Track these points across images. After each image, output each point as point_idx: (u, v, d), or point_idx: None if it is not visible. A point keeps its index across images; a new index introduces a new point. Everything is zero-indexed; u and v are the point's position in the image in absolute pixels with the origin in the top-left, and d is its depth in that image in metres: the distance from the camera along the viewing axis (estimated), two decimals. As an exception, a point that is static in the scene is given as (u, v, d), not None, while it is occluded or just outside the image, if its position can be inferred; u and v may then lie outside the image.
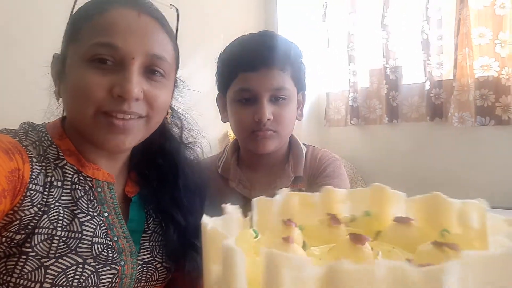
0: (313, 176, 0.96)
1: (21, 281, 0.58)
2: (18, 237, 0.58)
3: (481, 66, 1.98)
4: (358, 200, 0.45)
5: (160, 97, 0.67)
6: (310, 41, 2.63)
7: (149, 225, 0.76)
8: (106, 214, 0.69)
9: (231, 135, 2.20)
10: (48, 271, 0.59)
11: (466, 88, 2.00)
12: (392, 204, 0.44)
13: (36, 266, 0.59)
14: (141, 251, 0.72)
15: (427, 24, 2.18)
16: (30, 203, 0.59)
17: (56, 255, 0.60)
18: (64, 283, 0.60)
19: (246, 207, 0.42)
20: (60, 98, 0.69)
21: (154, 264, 0.73)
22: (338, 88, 2.57)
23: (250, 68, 0.88)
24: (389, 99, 2.31)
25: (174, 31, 0.75)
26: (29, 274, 0.58)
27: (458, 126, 2.00)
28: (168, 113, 0.77)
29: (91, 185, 0.68)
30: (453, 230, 0.40)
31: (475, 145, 2.03)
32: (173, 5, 0.75)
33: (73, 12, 0.68)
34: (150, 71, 0.66)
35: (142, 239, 0.73)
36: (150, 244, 0.74)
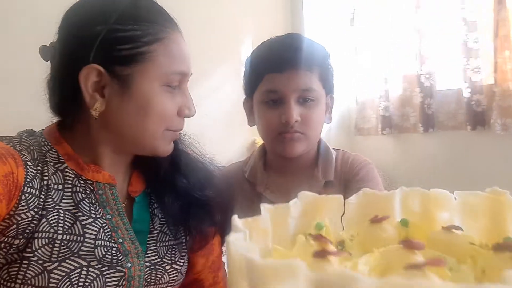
0: (346, 181, 0.95)
1: (25, 287, 0.59)
2: (17, 242, 0.60)
3: (524, 69, 1.89)
4: (297, 215, 0.44)
5: None
6: (338, 47, 2.60)
7: (155, 225, 0.76)
8: (109, 216, 0.69)
9: (259, 142, 2.19)
10: (52, 275, 0.60)
11: (508, 93, 1.91)
12: (334, 210, 0.45)
13: (39, 271, 0.60)
14: (148, 252, 0.73)
15: (464, 26, 2.10)
16: (26, 207, 0.60)
17: (59, 258, 0.61)
18: (69, 287, 0.61)
19: None
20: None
21: (163, 265, 0.74)
22: (368, 95, 2.52)
23: (277, 69, 0.88)
24: (424, 107, 2.23)
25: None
26: (32, 279, 0.59)
27: (501, 133, 1.91)
28: None
29: (92, 188, 0.69)
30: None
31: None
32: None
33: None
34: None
35: (148, 240, 0.74)
36: (157, 244, 0.75)
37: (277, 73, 0.88)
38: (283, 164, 0.97)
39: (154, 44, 0.67)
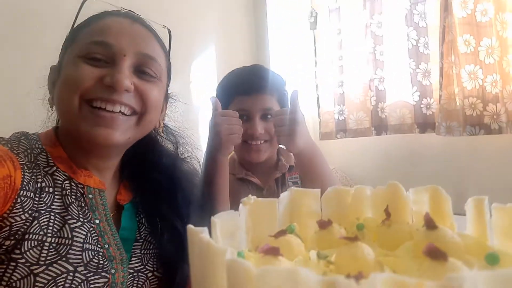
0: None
1: None
2: (7, 243, 0.61)
3: (468, 74, 2.03)
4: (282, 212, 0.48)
5: (152, 92, 0.72)
6: (300, 50, 2.73)
7: (141, 234, 0.79)
8: (97, 221, 0.71)
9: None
10: (38, 279, 0.61)
11: (453, 96, 2.05)
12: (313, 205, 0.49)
13: (26, 273, 0.60)
14: (132, 259, 0.75)
15: (414, 30, 2.25)
16: (21, 209, 0.61)
17: (46, 262, 0.62)
18: None
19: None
20: (54, 107, 0.74)
21: (145, 273, 0.76)
22: (327, 100, 2.63)
23: (244, 92, 1.14)
24: (377, 111, 2.36)
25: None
26: (18, 282, 0.60)
27: (446, 136, 2.04)
28: (160, 125, 0.82)
29: (82, 191, 0.71)
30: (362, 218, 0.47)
31: (463, 155, 2.07)
32: (165, 26, 0.83)
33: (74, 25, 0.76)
34: (142, 71, 0.72)
35: (133, 247, 0.76)
36: (142, 252, 0.77)
37: (245, 96, 1.14)
38: (250, 164, 1.22)
39: (83, 29, 0.71)
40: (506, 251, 0.32)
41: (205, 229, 0.32)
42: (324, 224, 0.42)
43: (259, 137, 1.14)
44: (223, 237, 0.40)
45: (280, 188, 1.21)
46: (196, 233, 0.31)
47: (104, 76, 0.66)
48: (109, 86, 0.66)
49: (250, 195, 0.47)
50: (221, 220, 0.40)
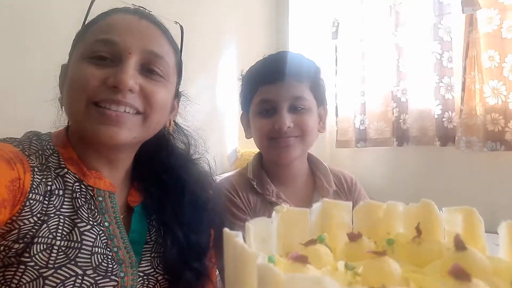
0: (349, 194, 1.08)
1: None
2: (16, 246, 0.61)
3: (492, 89, 2.07)
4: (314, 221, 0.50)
5: (158, 93, 0.70)
6: (321, 58, 2.78)
7: (152, 236, 0.78)
8: (107, 224, 0.71)
9: (240, 151, 2.33)
10: (47, 281, 0.61)
11: (474, 111, 2.09)
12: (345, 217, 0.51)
13: (35, 276, 0.61)
14: (141, 262, 0.75)
15: (438, 44, 2.29)
16: (29, 213, 0.62)
17: (55, 265, 0.63)
18: None
19: None
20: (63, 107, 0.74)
21: (155, 276, 0.76)
22: (346, 108, 2.69)
23: (269, 80, 1.00)
24: (399, 122, 2.41)
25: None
26: (27, 284, 0.61)
27: (465, 151, 2.08)
28: (171, 124, 0.82)
29: (92, 194, 0.71)
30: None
31: (483, 170, 2.10)
32: (177, 22, 0.82)
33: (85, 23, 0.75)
34: (148, 70, 0.70)
35: (143, 250, 0.76)
36: (152, 255, 0.77)
37: (270, 85, 0.99)
38: (280, 173, 1.06)
39: (90, 27, 0.71)
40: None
41: (240, 233, 0.34)
42: (354, 237, 0.44)
43: (288, 132, 0.97)
44: (255, 242, 0.41)
45: None
46: (231, 236, 0.33)
47: (108, 77, 0.66)
48: (113, 86, 0.65)
49: (283, 204, 0.49)
50: (255, 225, 0.42)
